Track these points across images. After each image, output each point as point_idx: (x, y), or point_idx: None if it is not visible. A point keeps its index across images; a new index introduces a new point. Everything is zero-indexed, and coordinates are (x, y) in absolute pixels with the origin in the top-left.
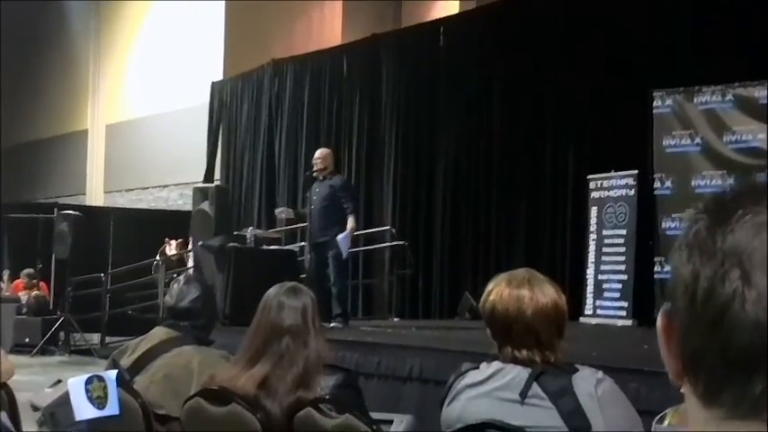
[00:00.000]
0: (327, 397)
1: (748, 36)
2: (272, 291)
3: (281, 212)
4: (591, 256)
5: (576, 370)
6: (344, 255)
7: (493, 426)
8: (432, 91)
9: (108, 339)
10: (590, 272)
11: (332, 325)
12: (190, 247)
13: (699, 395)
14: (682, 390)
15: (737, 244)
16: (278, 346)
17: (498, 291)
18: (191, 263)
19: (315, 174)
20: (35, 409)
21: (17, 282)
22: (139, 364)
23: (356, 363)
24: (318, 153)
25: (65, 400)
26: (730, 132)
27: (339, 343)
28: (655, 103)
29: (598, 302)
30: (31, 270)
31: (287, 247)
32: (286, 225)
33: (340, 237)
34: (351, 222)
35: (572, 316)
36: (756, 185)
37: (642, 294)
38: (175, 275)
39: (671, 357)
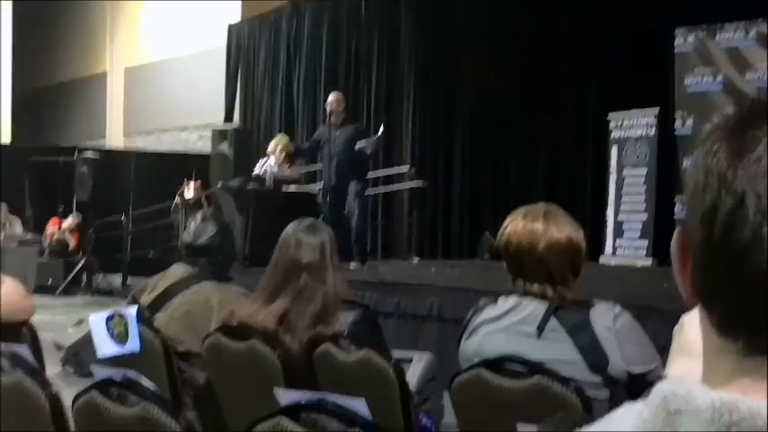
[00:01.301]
0: (346, 332)
1: None
2: (290, 228)
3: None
4: (611, 196)
5: (594, 305)
6: (369, 150)
7: (510, 360)
8: (451, 30)
9: (129, 281)
10: (610, 212)
11: (352, 265)
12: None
13: (713, 323)
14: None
15: (759, 178)
16: (296, 282)
17: (514, 224)
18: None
19: (331, 119)
20: (59, 348)
21: (55, 218)
22: (159, 302)
23: (375, 302)
24: (334, 97)
25: (88, 340)
26: (753, 70)
27: (358, 283)
28: (677, 41)
29: (618, 242)
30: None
31: (306, 188)
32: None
33: (362, 142)
34: (379, 132)
35: (592, 256)
36: None
37: (662, 234)
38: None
39: (685, 279)
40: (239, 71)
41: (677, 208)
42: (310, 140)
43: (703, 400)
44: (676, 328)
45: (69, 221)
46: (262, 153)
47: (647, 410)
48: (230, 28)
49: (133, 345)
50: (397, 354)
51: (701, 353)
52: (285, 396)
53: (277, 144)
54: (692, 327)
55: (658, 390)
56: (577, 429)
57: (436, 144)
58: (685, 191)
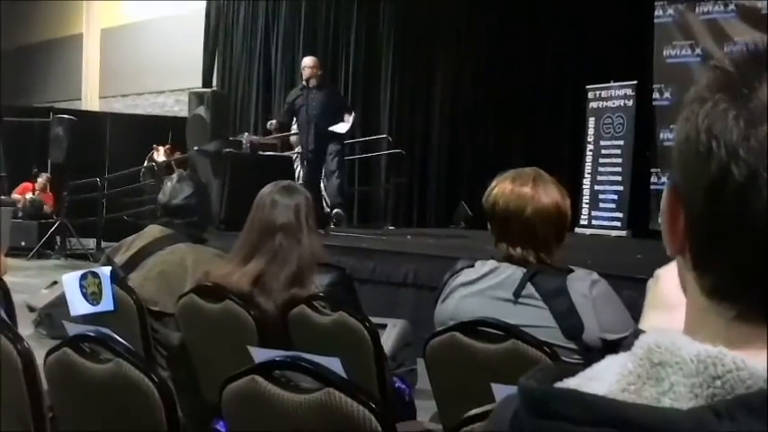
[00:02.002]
0: (321, 294)
1: None
2: (266, 189)
3: (272, 125)
4: (587, 167)
5: (572, 271)
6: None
7: (485, 323)
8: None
9: (104, 244)
10: (586, 182)
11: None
12: (178, 154)
13: (704, 286)
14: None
15: None
16: (271, 243)
17: (502, 186)
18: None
19: (308, 83)
20: (31, 309)
21: (26, 184)
22: (134, 261)
23: (351, 268)
24: (311, 61)
25: (61, 301)
26: (732, 43)
27: (334, 248)
28: (656, 13)
29: (594, 213)
30: (48, 176)
31: (284, 153)
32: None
33: (338, 127)
34: (349, 117)
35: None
36: None
37: (638, 206)
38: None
39: (674, 236)
40: (218, 35)
41: (653, 180)
42: (286, 104)
43: (688, 351)
44: (650, 281)
45: (40, 182)
46: (240, 117)
47: (631, 362)
48: None
49: (107, 304)
50: (372, 320)
51: (676, 306)
52: (259, 354)
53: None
54: (666, 280)
55: (642, 341)
56: (560, 381)
57: (414, 112)
58: (677, 145)
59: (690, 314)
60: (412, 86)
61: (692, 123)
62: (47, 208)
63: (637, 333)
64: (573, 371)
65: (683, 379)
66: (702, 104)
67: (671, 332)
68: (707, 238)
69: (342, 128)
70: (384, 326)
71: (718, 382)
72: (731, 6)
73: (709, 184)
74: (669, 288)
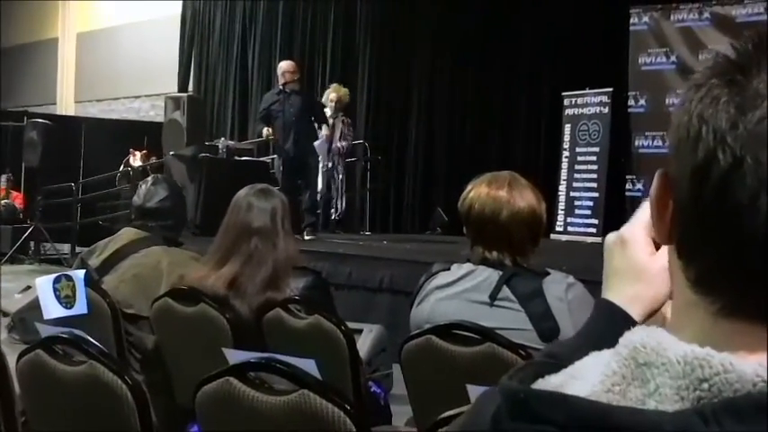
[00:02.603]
0: (297, 298)
1: None
2: (242, 192)
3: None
4: (563, 174)
5: (548, 274)
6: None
7: (461, 326)
8: (408, 4)
9: (78, 249)
10: (562, 189)
11: (307, 237)
12: (154, 158)
13: (689, 277)
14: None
15: (760, 142)
16: (247, 246)
17: (478, 190)
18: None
19: (286, 87)
20: (5, 314)
21: None
22: (108, 264)
23: (327, 273)
24: (289, 66)
25: (34, 306)
26: (706, 51)
27: (310, 254)
28: (631, 20)
29: (569, 219)
30: (10, 175)
31: (260, 159)
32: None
33: (317, 143)
34: (326, 130)
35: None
36: None
37: (613, 212)
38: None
39: (662, 225)
40: (194, 39)
41: (628, 186)
42: (262, 109)
43: (674, 352)
44: (612, 243)
45: (3, 181)
46: (216, 122)
47: (616, 361)
48: None
49: (80, 307)
50: (348, 325)
51: (651, 274)
52: (233, 356)
53: (330, 92)
54: (636, 245)
55: (628, 340)
56: (541, 378)
57: (391, 118)
58: (671, 131)
59: (676, 307)
60: (388, 93)
61: (686, 108)
62: (19, 211)
63: (599, 302)
64: (555, 366)
65: (669, 381)
66: (698, 90)
67: (657, 331)
68: (692, 226)
69: (321, 146)
70: (360, 331)
71: (705, 385)
72: (705, 14)
73: (696, 169)
74: (640, 255)
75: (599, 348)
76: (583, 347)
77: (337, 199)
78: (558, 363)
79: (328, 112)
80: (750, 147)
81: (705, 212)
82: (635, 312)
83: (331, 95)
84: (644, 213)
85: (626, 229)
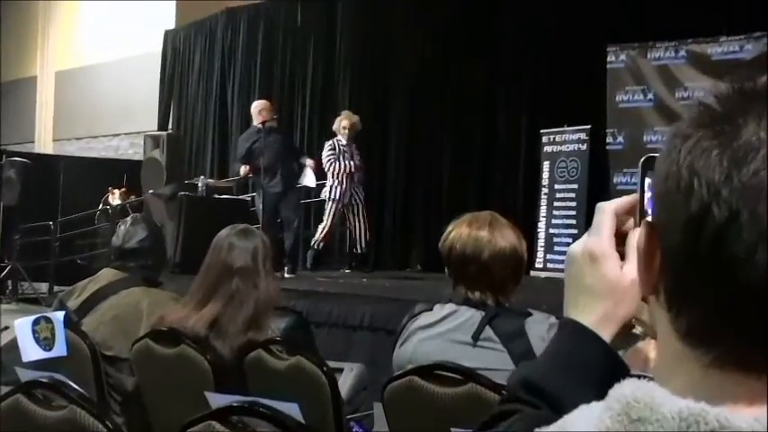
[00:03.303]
0: (278, 338)
1: None
2: (223, 232)
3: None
4: (542, 211)
5: (530, 314)
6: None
7: (444, 367)
8: (386, 42)
9: (57, 288)
10: (541, 226)
11: (286, 275)
12: (132, 197)
13: (678, 329)
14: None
15: (756, 195)
16: (228, 286)
17: (459, 230)
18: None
19: (262, 125)
20: None
21: None
22: (87, 306)
23: (307, 312)
24: (265, 104)
25: (12, 347)
26: (682, 88)
27: (290, 292)
28: (609, 58)
29: (549, 256)
30: None
31: (239, 197)
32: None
33: (306, 179)
34: (310, 160)
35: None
36: (763, 81)
37: None
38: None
39: (649, 276)
40: (174, 77)
41: None
42: (244, 149)
43: (669, 408)
44: (579, 258)
45: None
46: (195, 160)
47: (609, 417)
48: (166, 34)
49: (60, 349)
50: (329, 364)
51: (624, 297)
52: (216, 399)
53: (342, 119)
54: (608, 264)
55: (620, 393)
56: (533, 430)
57: (370, 156)
58: (657, 181)
59: (663, 357)
60: (368, 129)
61: (674, 159)
62: None
63: (566, 323)
64: (546, 418)
65: None
66: (685, 140)
67: (648, 384)
68: (683, 278)
69: (311, 180)
70: (341, 370)
71: None
72: (681, 52)
73: (688, 222)
74: (613, 271)
75: (571, 372)
76: (557, 374)
77: (360, 231)
78: (541, 407)
79: (343, 140)
80: (746, 200)
81: (699, 265)
82: (606, 332)
83: (343, 122)
84: (607, 225)
85: (594, 244)
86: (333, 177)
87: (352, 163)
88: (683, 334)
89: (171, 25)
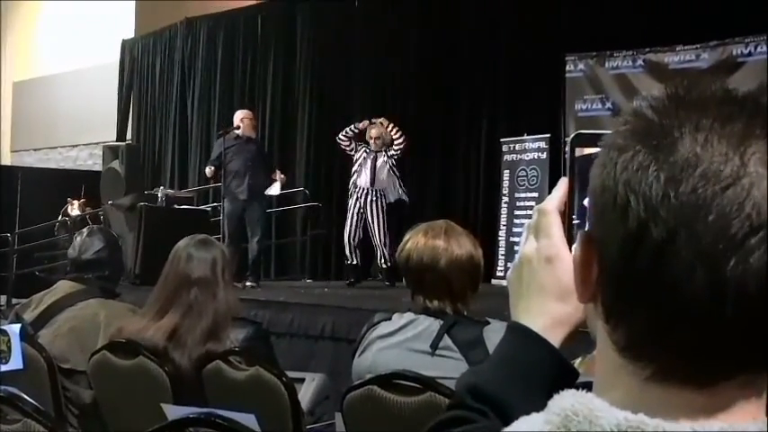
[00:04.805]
0: (237, 349)
1: (660, 0)
2: (182, 242)
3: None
4: (503, 219)
5: (488, 323)
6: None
7: (403, 376)
8: (347, 51)
9: (14, 300)
10: (502, 234)
11: (248, 284)
12: (90, 209)
13: (616, 341)
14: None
15: (693, 214)
16: (186, 297)
17: (415, 240)
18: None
19: (239, 133)
20: None
21: None
22: (44, 318)
23: (268, 321)
24: (248, 113)
25: None
26: (640, 97)
27: (251, 302)
28: (567, 68)
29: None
30: None
31: (200, 207)
32: (199, 185)
33: (272, 188)
34: (281, 174)
35: (484, 277)
36: (699, 89)
37: None
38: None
39: (586, 286)
40: (132, 87)
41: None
42: (217, 153)
43: (607, 420)
44: (534, 260)
45: None
46: (155, 170)
47: (548, 430)
48: (124, 43)
49: (15, 362)
50: (289, 375)
51: (574, 303)
52: (172, 411)
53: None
54: (564, 267)
55: (558, 406)
56: None
57: (332, 165)
58: (593, 192)
59: (601, 368)
60: (329, 139)
61: (609, 172)
62: None
63: (514, 327)
64: (489, 430)
65: None
66: (621, 153)
67: (587, 396)
68: (621, 292)
69: (276, 190)
70: (302, 380)
71: None
72: (639, 61)
73: (626, 239)
74: (568, 275)
75: (518, 378)
76: (504, 381)
77: (381, 243)
78: (489, 417)
79: (372, 148)
80: (684, 219)
81: (637, 282)
82: (556, 336)
83: (372, 132)
84: (555, 226)
85: (547, 246)
86: (353, 189)
87: (373, 176)
88: (621, 347)
89: (129, 35)
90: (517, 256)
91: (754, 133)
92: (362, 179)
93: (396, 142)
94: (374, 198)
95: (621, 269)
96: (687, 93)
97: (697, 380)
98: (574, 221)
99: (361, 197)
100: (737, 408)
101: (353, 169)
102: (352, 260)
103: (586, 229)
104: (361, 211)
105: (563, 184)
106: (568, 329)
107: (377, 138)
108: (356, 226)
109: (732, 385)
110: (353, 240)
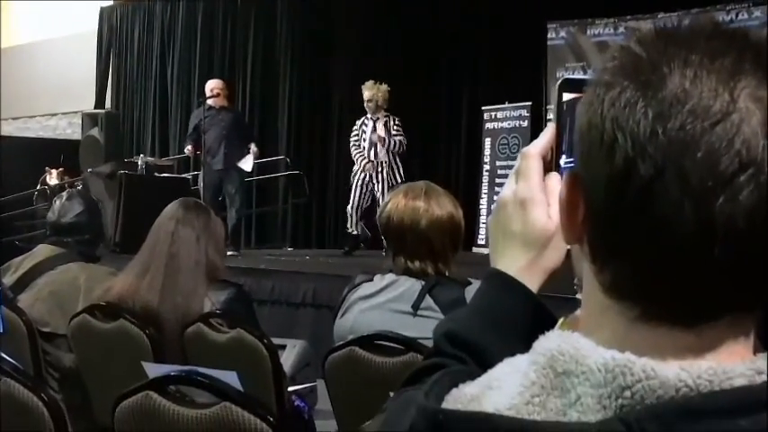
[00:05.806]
0: (218, 311)
1: None
2: (170, 206)
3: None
4: (484, 188)
5: (470, 283)
6: (248, 168)
7: (385, 337)
8: (328, 20)
9: None
10: (483, 202)
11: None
12: (68, 177)
13: (603, 282)
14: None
15: (681, 151)
16: (170, 260)
17: (395, 201)
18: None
19: (212, 104)
20: None
21: None
22: (24, 282)
23: (250, 289)
24: (218, 83)
25: None
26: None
27: (232, 269)
28: (549, 35)
29: None
30: None
31: (180, 175)
32: (179, 153)
33: (244, 162)
34: (254, 147)
35: (465, 245)
36: (688, 25)
37: None
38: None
39: (571, 226)
40: (111, 55)
41: None
42: (192, 128)
43: (594, 360)
44: (509, 204)
45: None
46: (135, 139)
47: (534, 371)
48: (102, 11)
49: None
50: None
51: (554, 245)
52: (153, 370)
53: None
54: (537, 210)
55: (544, 347)
56: (455, 387)
57: (312, 133)
58: (579, 131)
59: (588, 309)
60: (310, 108)
61: (596, 110)
62: None
63: (492, 273)
64: (469, 373)
65: (590, 390)
66: (608, 90)
67: (573, 336)
68: (608, 232)
69: (248, 165)
70: (284, 347)
71: (628, 393)
72: (620, 29)
73: (613, 177)
74: (542, 218)
75: (496, 324)
76: (482, 327)
77: None
78: (467, 363)
79: (369, 115)
80: (672, 156)
81: (624, 221)
82: (533, 281)
83: (365, 94)
84: (534, 170)
85: (523, 190)
86: (356, 163)
87: (374, 141)
88: (607, 287)
89: (107, 2)
90: (497, 198)
91: (743, 68)
92: (365, 148)
93: (397, 141)
94: (380, 169)
95: (608, 208)
96: (676, 28)
97: (685, 320)
98: (565, 165)
99: (366, 169)
100: (726, 348)
101: (352, 140)
102: (354, 230)
103: (563, 163)
104: (367, 181)
105: (550, 129)
106: (543, 274)
107: (369, 100)
108: (360, 196)
109: (720, 325)
110: (358, 211)
